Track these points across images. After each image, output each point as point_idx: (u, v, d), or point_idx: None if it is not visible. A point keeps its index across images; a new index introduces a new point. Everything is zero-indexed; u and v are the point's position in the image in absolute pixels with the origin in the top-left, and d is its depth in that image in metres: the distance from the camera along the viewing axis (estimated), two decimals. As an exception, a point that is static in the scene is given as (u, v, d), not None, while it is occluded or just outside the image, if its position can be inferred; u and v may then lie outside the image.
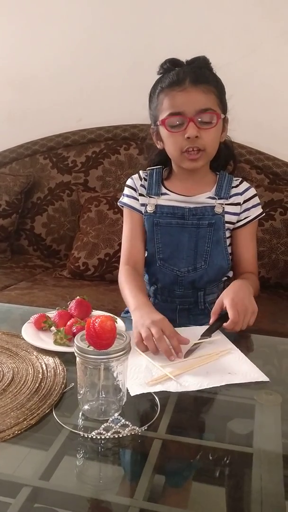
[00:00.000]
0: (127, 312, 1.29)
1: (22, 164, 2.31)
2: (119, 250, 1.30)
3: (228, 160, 1.22)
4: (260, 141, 2.04)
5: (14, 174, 2.27)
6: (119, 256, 1.28)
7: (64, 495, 0.60)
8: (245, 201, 1.17)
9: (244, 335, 1.09)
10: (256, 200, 1.19)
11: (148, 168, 1.23)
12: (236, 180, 1.20)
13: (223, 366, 0.87)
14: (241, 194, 1.18)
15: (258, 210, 1.19)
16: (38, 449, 0.68)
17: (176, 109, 1.06)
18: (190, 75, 1.06)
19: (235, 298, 1.00)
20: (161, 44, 2.02)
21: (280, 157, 2.02)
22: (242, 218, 1.18)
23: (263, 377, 0.84)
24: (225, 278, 1.23)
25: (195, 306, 1.20)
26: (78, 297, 1.04)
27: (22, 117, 2.37)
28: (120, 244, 1.32)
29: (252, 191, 1.19)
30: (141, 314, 0.98)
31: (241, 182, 1.20)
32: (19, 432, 0.68)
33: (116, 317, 0.91)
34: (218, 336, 0.98)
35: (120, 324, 0.97)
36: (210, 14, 2.02)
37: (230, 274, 1.23)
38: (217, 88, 1.09)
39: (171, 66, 1.10)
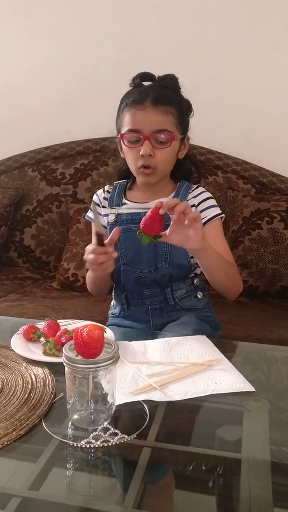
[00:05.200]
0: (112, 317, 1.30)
1: (10, 176, 2.32)
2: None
3: (190, 172, 1.28)
4: (246, 151, 2.07)
5: (3, 186, 2.27)
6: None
7: (54, 505, 0.60)
8: (200, 203, 1.22)
9: (233, 342, 1.11)
10: (212, 202, 1.23)
11: (115, 182, 1.30)
12: (195, 187, 1.24)
13: (209, 375, 0.87)
14: (195, 196, 1.22)
15: (216, 211, 1.22)
16: (27, 459, 0.68)
17: (135, 126, 1.13)
18: (153, 95, 1.13)
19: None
20: (148, 58, 2.05)
21: (266, 167, 2.05)
22: (202, 218, 1.18)
23: (249, 387, 0.83)
24: (192, 275, 1.25)
25: (166, 303, 1.23)
26: None
27: (10, 129, 2.37)
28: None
29: (207, 194, 1.24)
30: None
31: (197, 188, 1.24)
32: (9, 443, 0.68)
33: (104, 326, 0.92)
34: (218, 356, 0.95)
35: (108, 333, 0.98)
36: (195, 29, 2.06)
37: (198, 271, 1.25)
38: (178, 109, 1.15)
39: (140, 82, 1.18)
